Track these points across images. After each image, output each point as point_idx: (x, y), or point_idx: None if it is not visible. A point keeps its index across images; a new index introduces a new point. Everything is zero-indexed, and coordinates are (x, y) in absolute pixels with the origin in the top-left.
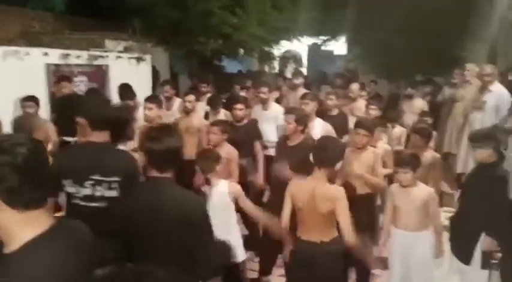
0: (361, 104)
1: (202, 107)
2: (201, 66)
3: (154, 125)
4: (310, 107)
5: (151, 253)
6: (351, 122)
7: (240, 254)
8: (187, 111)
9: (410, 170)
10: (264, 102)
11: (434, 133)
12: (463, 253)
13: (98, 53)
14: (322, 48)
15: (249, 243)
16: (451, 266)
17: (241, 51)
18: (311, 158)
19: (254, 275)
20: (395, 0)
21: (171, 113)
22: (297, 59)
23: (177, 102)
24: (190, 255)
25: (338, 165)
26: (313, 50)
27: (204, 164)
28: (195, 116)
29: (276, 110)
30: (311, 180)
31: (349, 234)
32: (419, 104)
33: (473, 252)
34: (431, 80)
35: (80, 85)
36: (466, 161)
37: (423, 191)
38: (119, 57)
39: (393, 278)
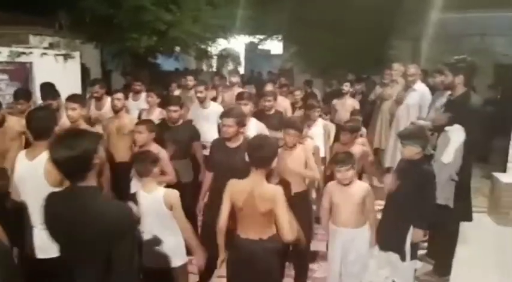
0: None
1: (136, 106)
2: (135, 64)
3: (60, 131)
4: (248, 107)
5: (73, 264)
6: None
7: (179, 258)
8: (116, 111)
9: (351, 168)
10: (202, 101)
11: (364, 130)
12: (393, 245)
13: (20, 50)
14: (259, 47)
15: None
16: (380, 258)
17: (177, 48)
18: (246, 158)
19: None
20: (328, 1)
21: (102, 113)
22: (234, 58)
23: (108, 101)
24: (110, 266)
25: (274, 163)
26: (250, 48)
27: (141, 166)
28: (127, 116)
29: (214, 110)
30: (249, 180)
31: (288, 233)
32: (351, 102)
33: (404, 244)
34: (363, 78)
35: (1, 84)
36: (394, 155)
37: (361, 187)
38: (44, 54)
39: (332, 275)
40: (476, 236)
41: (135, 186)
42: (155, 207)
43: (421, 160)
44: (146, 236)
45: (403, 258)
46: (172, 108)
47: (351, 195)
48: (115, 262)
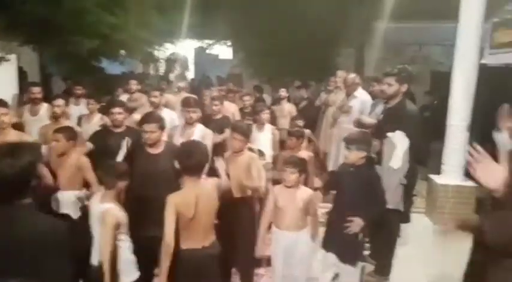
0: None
1: (78, 111)
2: (76, 68)
3: None
4: (197, 114)
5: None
6: None
7: (129, 273)
8: (56, 117)
9: (297, 171)
10: (156, 107)
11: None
12: (339, 248)
13: None
14: (208, 52)
15: None
16: (326, 261)
17: (122, 52)
18: (177, 165)
19: None
20: (274, 8)
21: (37, 119)
22: (182, 62)
23: (44, 106)
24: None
25: (205, 170)
26: (199, 53)
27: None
28: (66, 123)
29: (166, 115)
30: (190, 189)
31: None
32: (288, 107)
33: (351, 247)
34: (309, 85)
35: None
36: (336, 159)
37: (305, 192)
38: None
39: (276, 278)
40: (415, 236)
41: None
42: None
43: (366, 164)
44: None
45: (349, 261)
46: (117, 110)
47: (295, 199)
48: (46, 279)
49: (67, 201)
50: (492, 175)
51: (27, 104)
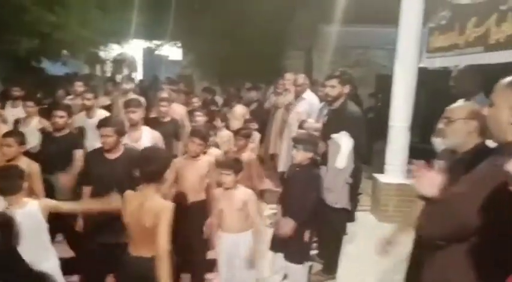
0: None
1: (16, 114)
2: (15, 68)
3: None
4: (138, 115)
5: None
6: None
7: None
8: None
9: (232, 172)
10: (88, 109)
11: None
12: (286, 248)
13: None
14: (157, 52)
15: (74, 265)
16: (275, 261)
17: (65, 52)
18: (136, 172)
19: None
20: (223, 9)
21: None
22: (130, 63)
23: None
24: None
25: (166, 176)
26: (148, 54)
27: (5, 183)
28: (2, 127)
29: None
30: (140, 194)
31: (163, 248)
32: (240, 110)
33: (297, 247)
34: (259, 87)
35: None
36: (287, 161)
37: (243, 193)
38: None
39: (221, 279)
40: (361, 233)
41: None
42: (31, 222)
43: (310, 165)
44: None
45: (296, 261)
46: (59, 113)
47: (233, 200)
48: None
49: None
50: (429, 184)
51: None
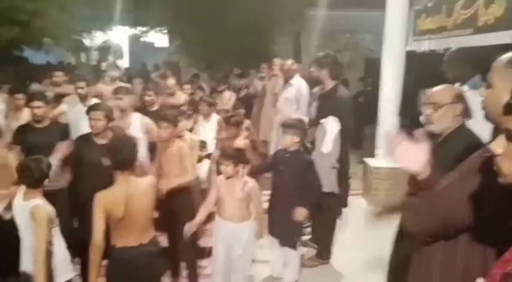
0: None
1: None
2: None
3: None
4: (126, 102)
5: None
6: None
7: (64, 273)
8: None
9: (231, 163)
10: (83, 98)
11: (248, 122)
12: (280, 232)
13: None
14: (143, 39)
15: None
16: (272, 245)
17: (47, 40)
18: (107, 162)
19: None
20: None
21: None
22: (115, 51)
23: None
24: None
25: (137, 163)
26: (134, 41)
27: None
28: None
29: None
30: (121, 186)
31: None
32: (227, 96)
33: (290, 231)
34: (248, 73)
35: None
36: (277, 147)
37: (245, 183)
38: None
39: (216, 267)
40: (353, 217)
41: None
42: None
43: (299, 150)
44: None
45: (289, 244)
46: (36, 104)
47: (234, 189)
48: None
49: None
50: (413, 157)
51: None
